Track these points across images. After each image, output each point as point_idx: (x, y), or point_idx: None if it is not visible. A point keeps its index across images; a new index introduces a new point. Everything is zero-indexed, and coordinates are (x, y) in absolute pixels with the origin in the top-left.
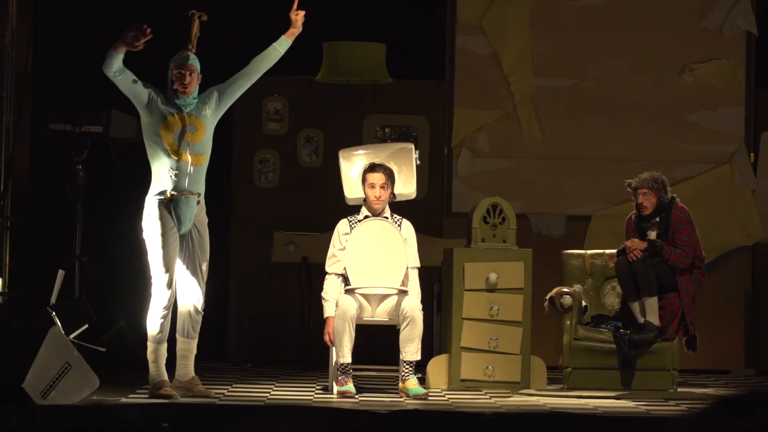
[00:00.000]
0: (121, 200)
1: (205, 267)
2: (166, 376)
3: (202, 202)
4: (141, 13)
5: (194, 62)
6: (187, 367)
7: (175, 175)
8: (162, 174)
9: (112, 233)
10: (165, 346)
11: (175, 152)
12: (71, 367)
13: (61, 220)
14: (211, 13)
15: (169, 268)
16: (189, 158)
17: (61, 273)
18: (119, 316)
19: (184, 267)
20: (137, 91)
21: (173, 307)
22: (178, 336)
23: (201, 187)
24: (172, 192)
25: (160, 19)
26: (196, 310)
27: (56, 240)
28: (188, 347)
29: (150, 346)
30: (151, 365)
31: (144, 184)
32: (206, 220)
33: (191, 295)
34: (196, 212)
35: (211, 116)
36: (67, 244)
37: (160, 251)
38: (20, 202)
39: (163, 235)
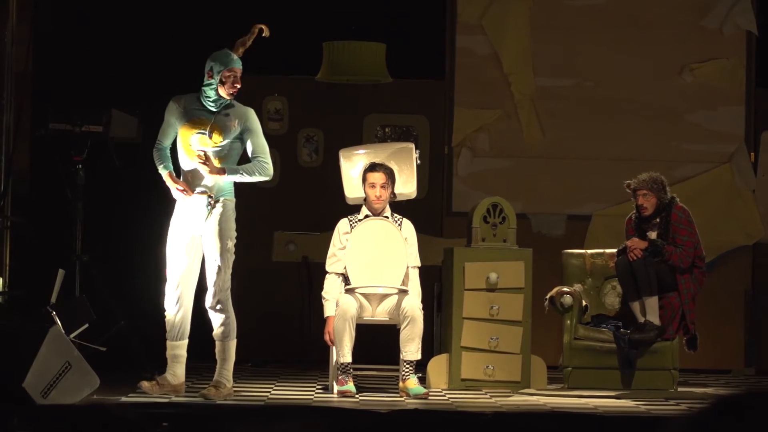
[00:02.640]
0: (121, 200)
1: (215, 262)
2: (166, 373)
3: (222, 200)
4: (140, 13)
5: (241, 65)
6: (217, 369)
7: (192, 173)
8: (183, 172)
9: (112, 233)
10: (175, 344)
11: (191, 153)
12: (71, 367)
13: (61, 219)
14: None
15: (174, 284)
16: (199, 158)
17: (61, 272)
18: (119, 315)
19: (205, 267)
20: (172, 130)
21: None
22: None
23: (216, 187)
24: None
25: (157, 19)
26: (213, 308)
27: (56, 240)
28: (217, 348)
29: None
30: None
31: (144, 184)
32: (221, 220)
33: (208, 294)
34: (210, 211)
35: (236, 131)
36: (67, 244)
37: (170, 268)
38: (20, 202)
39: (175, 253)
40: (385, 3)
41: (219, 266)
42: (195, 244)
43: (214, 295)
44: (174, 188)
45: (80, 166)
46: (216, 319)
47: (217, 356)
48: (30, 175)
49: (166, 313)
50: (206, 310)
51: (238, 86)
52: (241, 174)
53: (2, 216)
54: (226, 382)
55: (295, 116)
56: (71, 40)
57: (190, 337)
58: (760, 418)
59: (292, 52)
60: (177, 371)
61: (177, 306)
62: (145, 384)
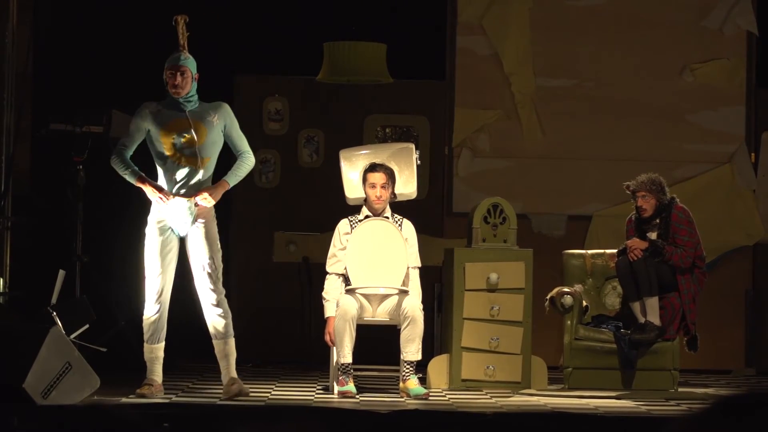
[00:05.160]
0: (122, 200)
1: (206, 268)
2: (154, 375)
3: (204, 203)
4: (140, 13)
5: (185, 62)
6: (225, 368)
7: (175, 177)
8: (162, 177)
9: (112, 233)
10: (157, 346)
11: (174, 155)
12: (72, 367)
13: (61, 220)
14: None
15: (157, 288)
16: (187, 161)
17: (61, 273)
18: (119, 316)
19: (193, 269)
20: (140, 135)
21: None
22: (213, 340)
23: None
24: (171, 194)
25: (157, 19)
26: (214, 312)
27: (56, 240)
28: (219, 348)
29: (145, 346)
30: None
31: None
32: (207, 221)
33: (204, 298)
34: (196, 214)
35: (217, 125)
36: (67, 244)
37: (152, 272)
38: (20, 202)
39: (157, 257)
40: (385, 3)
41: (214, 268)
42: (173, 248)
43: (216, 297)
44: (154, 195)
45: (81, 166)
46: (218, 320)
47: (219, 355)
48: (30, 175)
49: (145, 317)
50: (201, 312)
51: (178, 83)
52: (237, 176)
53: (2, 216)
54: (237, 376)
55: (296, 116)
56: (71, 40)
57: (189, 338)
58: (761, 419)
59: (293, 52)
60: (160, 371)
61: (158, 310)
62: (142, 391)
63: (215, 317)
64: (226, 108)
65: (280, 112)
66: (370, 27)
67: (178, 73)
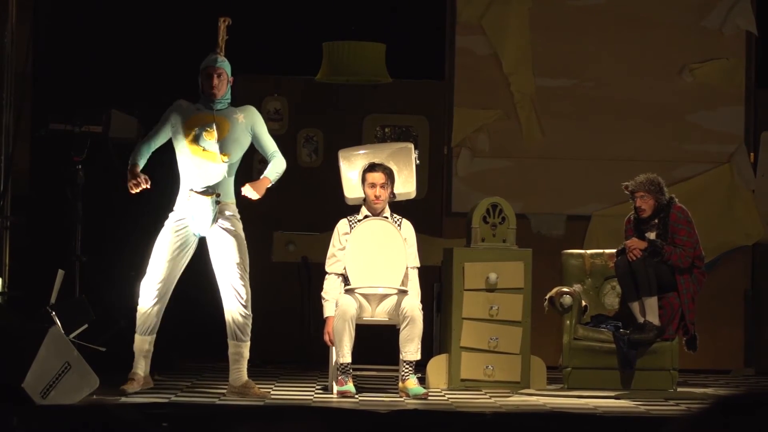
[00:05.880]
0: (121, 200)
1: (234, 267)
2: (138, 368)
3: (227, 202)
4: (140, 13)
5: (222, 65)
6: (239, 372)
7: (196, 173)
8: (184, 172)
9: (112, 233)
10: (146, 338)
11: (194, 149)
12: (71, 367)
13: (61, 220)
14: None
15: (156, 280)
16: (207, 155)
17: (60, 273)
18: (119, 316)
19: (217, 270)
20: (166, 128)
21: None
22: (228, 340)
23: (223, 188)
24: (191, 190)
25: (157, 19)
26: (239, 311)
27: (56, 240)
28: (237, 350)
29: (135, 336)
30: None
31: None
32: (232, 221)
33: (230, 298)
34: (217, 213)
35: (243, 124)
36: (66, 244)
37: (155, 263)
38: (20, 202)
39: (163, 250)
40: (385, 3)
41: (243, 268)
42: (186, 248)
43: (245, 296)
44: (130, 182)
45: (80, 166)
46: (242, 320)
47: (234, 357)
48: (30, 175)
49: (139, 307)
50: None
51: (215, 85)
52: (276, 173)
53: (2, 216)
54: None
55: (295, 116)
56: (71, 40)
57: (189, 338)
58: (760, 419)
59: (292, 52)
60: (144, 364)
61: (155, 302)
62: (125, 387)
63: (239, 317)
64: (254, 110)
65: (279, 111)
66: (370, 27)
67: (215, 75)
